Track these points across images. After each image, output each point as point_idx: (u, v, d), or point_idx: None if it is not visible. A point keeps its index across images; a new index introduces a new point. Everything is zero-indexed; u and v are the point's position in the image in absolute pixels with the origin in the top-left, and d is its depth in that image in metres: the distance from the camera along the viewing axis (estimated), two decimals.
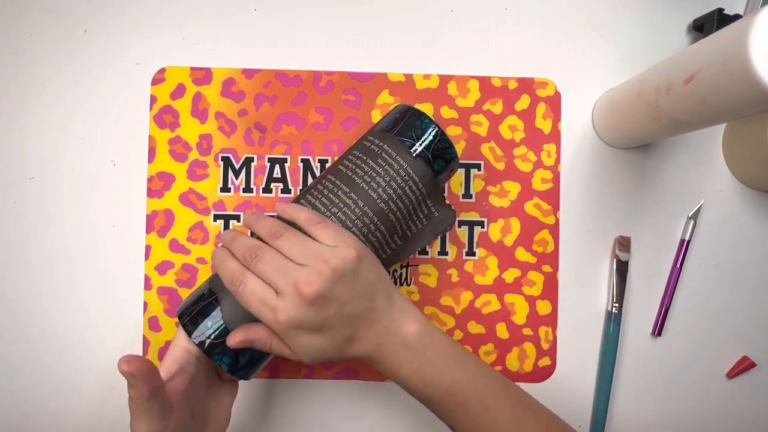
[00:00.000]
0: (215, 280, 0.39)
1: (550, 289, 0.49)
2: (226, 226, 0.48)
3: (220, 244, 0.34)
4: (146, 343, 0.48)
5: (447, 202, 0.45)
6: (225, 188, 0.49)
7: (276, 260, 0.36)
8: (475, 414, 0.37)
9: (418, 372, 0.37)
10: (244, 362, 0.38)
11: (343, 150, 0.49)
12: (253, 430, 0.48)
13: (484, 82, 0.50)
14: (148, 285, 0.48)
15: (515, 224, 0.49)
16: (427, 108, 0.50)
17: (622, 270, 0.49)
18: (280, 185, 0.49)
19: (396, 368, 0.37)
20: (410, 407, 0.49)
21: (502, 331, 0.49)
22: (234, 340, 0.36)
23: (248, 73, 0.49)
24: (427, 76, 0.50)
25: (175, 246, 0.48)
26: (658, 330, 0.49)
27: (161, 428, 0.34)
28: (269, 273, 0.35)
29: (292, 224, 0.38)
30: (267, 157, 0.49)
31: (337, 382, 0.49)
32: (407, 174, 0.40)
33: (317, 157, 0.49)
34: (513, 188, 0.50)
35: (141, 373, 0.32)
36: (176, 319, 0.48)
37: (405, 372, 0.37)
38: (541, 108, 0.50)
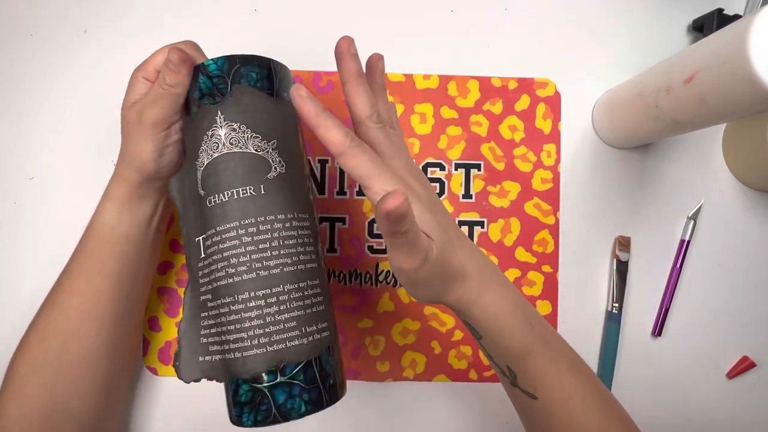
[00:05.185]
0: None
1: (550, 289, 0.49)
2: None
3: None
4: (146, 343, 0.48)
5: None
6: None
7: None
8: (569, 374, 0.34)
9: (522, 307, 0.34)
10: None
11: None
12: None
13: (484, 82, 0.50)
14: None
15: (515, 224, 0.49)
16: (427, 108, 0.50)
17: (622, 270, 0.49)
18: None
19: (499, 297, 0.33)
20: (410, 407, 0.49)
21: None
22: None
23: None
24: (427, 76, 0.50)
25: (175, 246, 0.48)
26: (658, 330, 0.49)
27: (171, 117, 0.35)
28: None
29: None
30: None
31: None
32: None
33: (317, 157, 0.49)
34: (513, 188, 0.50)
35: (188, 66, 0.34)
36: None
37: (509, 308, 0.33)
38: (541, 108, 0.50)
